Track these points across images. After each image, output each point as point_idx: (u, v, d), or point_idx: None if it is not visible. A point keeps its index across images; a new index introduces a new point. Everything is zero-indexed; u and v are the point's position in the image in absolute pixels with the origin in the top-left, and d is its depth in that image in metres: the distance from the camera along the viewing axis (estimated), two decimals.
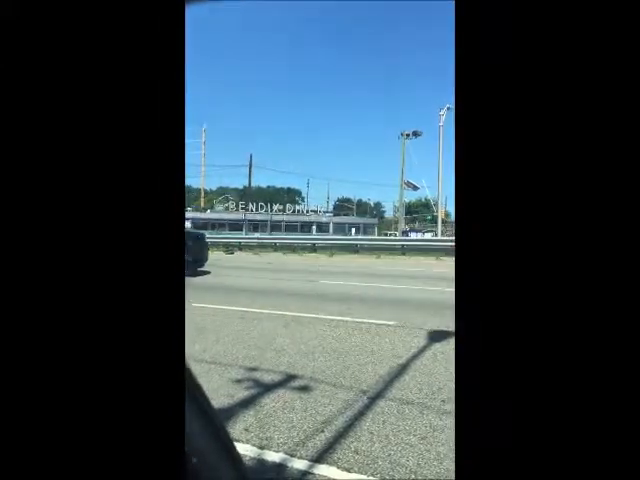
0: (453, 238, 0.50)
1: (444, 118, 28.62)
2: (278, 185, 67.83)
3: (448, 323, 5.01)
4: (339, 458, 2.23)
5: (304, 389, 3.20)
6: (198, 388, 0.38)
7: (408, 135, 31.50)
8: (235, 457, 0.41)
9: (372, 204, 68.49)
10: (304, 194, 63.70)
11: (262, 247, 22.85)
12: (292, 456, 2.25)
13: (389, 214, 61.87)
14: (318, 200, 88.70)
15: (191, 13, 0.49)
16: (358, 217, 48.88)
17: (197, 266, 10.48)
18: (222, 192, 53.28)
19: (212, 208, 42.81)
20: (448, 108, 27.82)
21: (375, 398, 3.02)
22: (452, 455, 0.49)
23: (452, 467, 0.47)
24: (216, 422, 0.40)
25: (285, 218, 40.35)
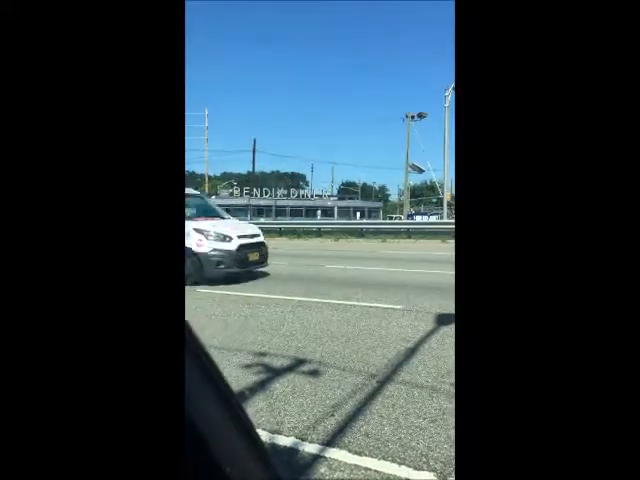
0: None
1: (450, 99, 28.23)
2: (282, 170, 67.79)
3: None
4: (350, 441, 2.24)
5: (313, 373, 3.21)
6: (229, 390, 0.37)
7: (413, 117, 31.10)
8: (267, 458, 0.40)
9: (377, 187, 68.38)
10: (308, 179, 63.62)
11: (267, 232, 22.82)
12: (303, 440, 2.27)
13: (394, 197, 61.86)
14: (322, 184, 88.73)
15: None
16: (363, 201, 48.67)
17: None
18: (226, 178, 53.20)
19: (217, 194, 42.75)
20: (454, 88, 27.35)
21: (384, 382, 3.03)
22: None
23: None
24: (246, 423, 0.39)
25: (290, 203, 40.25)
